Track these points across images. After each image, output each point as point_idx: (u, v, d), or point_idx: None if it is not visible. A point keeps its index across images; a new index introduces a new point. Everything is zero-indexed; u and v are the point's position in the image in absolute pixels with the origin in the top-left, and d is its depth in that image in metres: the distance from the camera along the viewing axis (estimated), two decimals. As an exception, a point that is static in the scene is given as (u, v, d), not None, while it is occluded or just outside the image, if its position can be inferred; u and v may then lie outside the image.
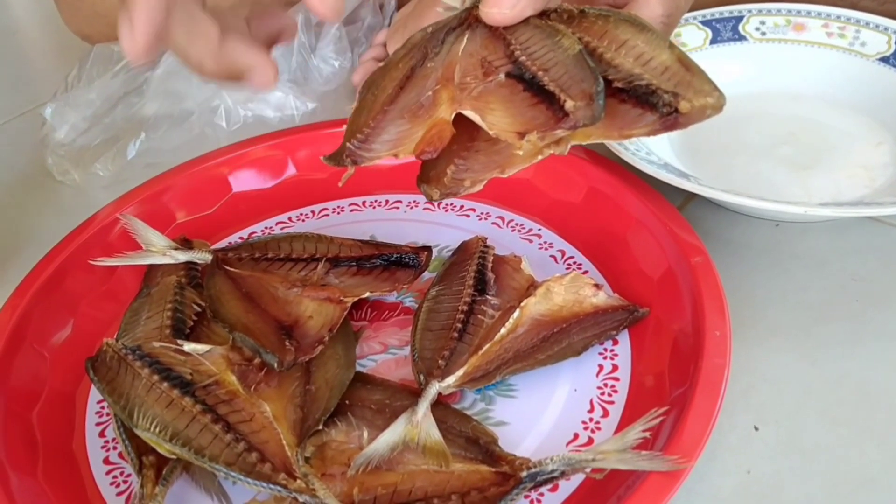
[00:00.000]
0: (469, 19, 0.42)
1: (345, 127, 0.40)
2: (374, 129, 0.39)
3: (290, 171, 0.58)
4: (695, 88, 0.35)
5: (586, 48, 0.38)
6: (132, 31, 0.38)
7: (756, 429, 0.40)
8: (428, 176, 0.40)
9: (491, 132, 0.37)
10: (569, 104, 0.35)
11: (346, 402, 0.40)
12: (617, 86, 0.36)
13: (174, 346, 0.41)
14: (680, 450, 0.34)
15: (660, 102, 0.35)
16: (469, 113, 0.38)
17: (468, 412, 0.41)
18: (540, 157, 0.37)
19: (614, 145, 0.49)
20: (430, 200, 0.39)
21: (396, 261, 0.48)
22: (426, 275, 0.49)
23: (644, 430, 0.35)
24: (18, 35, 0.97)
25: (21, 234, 0.59)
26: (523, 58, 0.38)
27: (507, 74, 0.38)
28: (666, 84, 0.35)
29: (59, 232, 0.51)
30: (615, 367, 0.43)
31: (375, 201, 0.57)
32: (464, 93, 0.38)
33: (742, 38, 0.62)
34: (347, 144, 0.39)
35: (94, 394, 0.44)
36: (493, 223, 0.54)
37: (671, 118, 0.35)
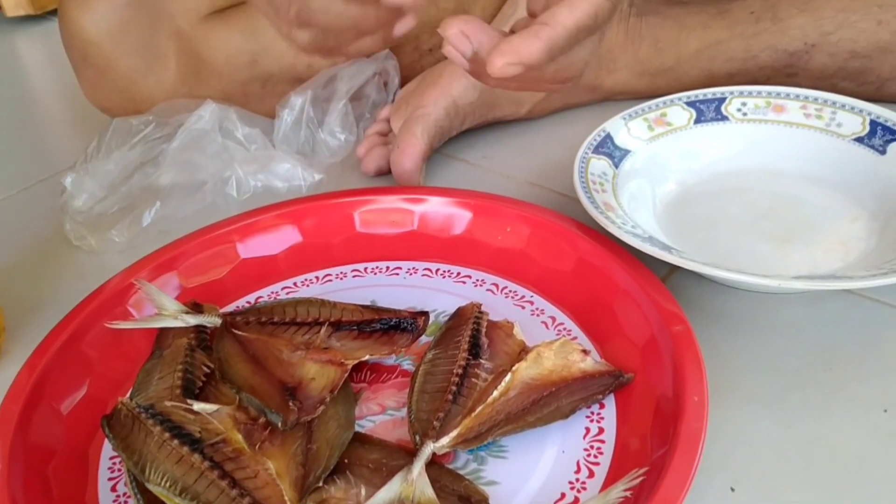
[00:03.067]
0: None
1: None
2: None
3: (297, 238, 0.61)
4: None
5: None
6: None
7: (732, 489, 0.42)
8: None
9: None
10: None
11: (346, 460, 0.42)
12: None
13: (184, 406, 0.43)
14: (658, 508, 0.36)
15: None
16: None
17: (461, 472, 0.43)
18: None
19: (601, 219, 0.52)
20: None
21: (395, 325, 0.51)
22: (423, 338, 0.51)
23: (625, 490, 0.38)
24: (40, 105, 1.01)
25: (39, 296, 0.61)
26: None
27: None
28: None
29: (76, 295, 0.53)
30: (601, 430, 0.45)
31: (376, 268, 0.60)
32: None
33: (724, 118, 0.65)
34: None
35: (107, 450, 0.46)
36: (487, 290, 0.56)
37: None
